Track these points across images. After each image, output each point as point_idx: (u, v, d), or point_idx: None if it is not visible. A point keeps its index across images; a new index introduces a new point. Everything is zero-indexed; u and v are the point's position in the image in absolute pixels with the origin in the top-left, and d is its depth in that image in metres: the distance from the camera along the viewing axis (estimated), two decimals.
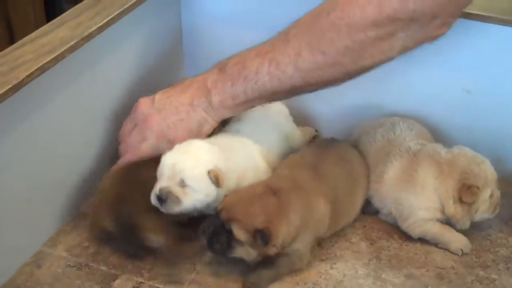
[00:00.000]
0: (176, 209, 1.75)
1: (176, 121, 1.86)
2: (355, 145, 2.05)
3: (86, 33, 1.77)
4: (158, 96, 1.91)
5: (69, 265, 1.81)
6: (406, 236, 1.92)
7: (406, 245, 1.90)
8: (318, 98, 2.22)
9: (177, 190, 1.74)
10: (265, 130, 2.01)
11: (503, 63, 2.01)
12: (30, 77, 1.61)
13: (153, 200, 1.76)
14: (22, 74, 1.59)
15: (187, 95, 1.87)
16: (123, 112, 2.06)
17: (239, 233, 1.64)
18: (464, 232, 1.91)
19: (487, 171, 1.88)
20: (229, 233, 1.66)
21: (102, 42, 1.87)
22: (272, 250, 1.68)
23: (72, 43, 1.73)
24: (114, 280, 1.77)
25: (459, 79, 2.07)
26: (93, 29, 1.80)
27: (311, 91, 1.83)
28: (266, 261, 1.71)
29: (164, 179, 1.76)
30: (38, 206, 1.82)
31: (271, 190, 1.71)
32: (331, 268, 1.82)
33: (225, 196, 1.75)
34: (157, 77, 2.22)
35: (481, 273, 1.81)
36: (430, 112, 2.11)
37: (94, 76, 1.91)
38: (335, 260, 1.84)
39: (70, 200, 1.96)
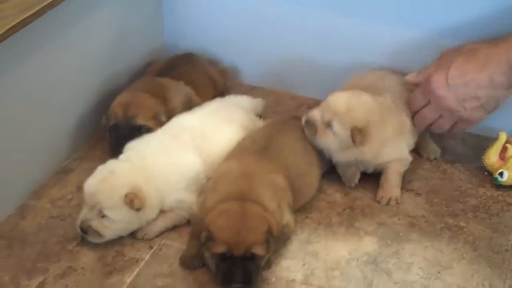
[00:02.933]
0: (98, 241, 1.77)
1: (474, 107, 1.81)
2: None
3: None
4: (452, 73, 1.76)
5: (52, 216, 1.87)
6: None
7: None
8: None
9: (97, 223, 1.74)
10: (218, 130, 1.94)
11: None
12: (12, 30, 1.65)
13: (86, 236, 1.76)
14: (3, 28, 1.63)
15: (485, 74, 1.74)
16: (107, 66, 2.14)
17: (260, 250, 1.64)
18: (435, 184, 2.01)
19: None
20: (252, 259, 1.64)
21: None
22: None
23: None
24: None
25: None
26: None
27: None
28: None
29: (86, 209, 1.75)
30: (21, 160, 1.88)
31: (244, 200, 1.68)
32: (306, 217, 1.89)
33: (219, 233, 1.63)
34: (136, 33, 2.28)
35: (450, 221, 1.89)
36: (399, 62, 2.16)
37: (76, 32, 1.97)
38: (310, 210, 1.91)
39: (53, 155, 2.01)
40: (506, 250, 1.80)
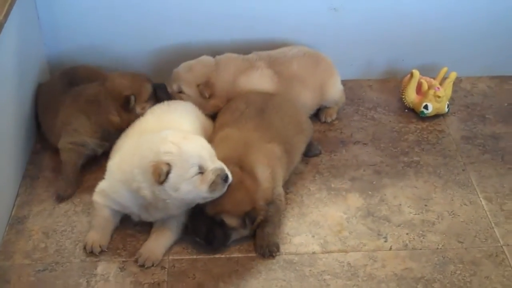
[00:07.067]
0: None
1: None
2: None
3: None
4: None
5: (39, 270, 1.68)
6: (330, 148, 2.08)
7: (334, 155, 2.06)
8: None
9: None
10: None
11: None
12: None
13: (222, 187, 1.67)
14: None
15: None
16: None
17: (231, 221, 1.69)
18: (374, 131, 2.15)
19: None
20: (222, 224, 1.69)
21: None
22: (260, 219, 1.73)
23: None
24: (96, 268, 1.69)
25: None
26: None
27: None
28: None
29: (210, 161, 1.68)
30: None
31: (236, 166, 1.72)
32: (287, 193, 1.92)
33: None
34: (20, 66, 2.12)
35: (405, 159, 2.04)
36: (302, 34, 2.26)
37: None
38: (285, 186, 1.93)
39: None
40: (463, 170, 2.00)
